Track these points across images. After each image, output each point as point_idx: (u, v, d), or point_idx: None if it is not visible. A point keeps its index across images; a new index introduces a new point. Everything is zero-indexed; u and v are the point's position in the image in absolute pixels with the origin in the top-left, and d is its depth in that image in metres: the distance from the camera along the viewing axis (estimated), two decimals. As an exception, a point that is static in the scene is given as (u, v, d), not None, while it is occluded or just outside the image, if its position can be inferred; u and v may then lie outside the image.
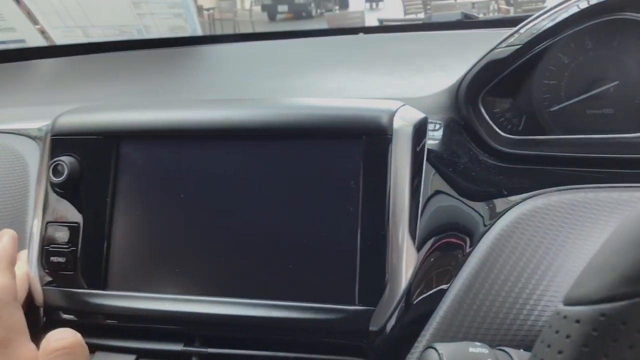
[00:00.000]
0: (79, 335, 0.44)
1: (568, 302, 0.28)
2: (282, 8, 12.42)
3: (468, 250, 0.53)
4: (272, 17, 12.28)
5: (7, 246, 0.49)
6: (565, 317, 0.27)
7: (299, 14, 12.31)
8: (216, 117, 0.54)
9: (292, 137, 0.53)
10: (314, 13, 12.45)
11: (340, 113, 0.52)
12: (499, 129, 0.63)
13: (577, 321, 0.26)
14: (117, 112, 0.58)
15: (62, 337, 0.43)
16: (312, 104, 0.54)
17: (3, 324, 0.44)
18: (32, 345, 0.44)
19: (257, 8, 12.66)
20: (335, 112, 0.52)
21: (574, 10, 0.59)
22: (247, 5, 12.41)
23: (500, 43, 0.60)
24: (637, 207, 0.29)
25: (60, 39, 1.26)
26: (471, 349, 0.38)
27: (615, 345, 0.25)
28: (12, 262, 0.49)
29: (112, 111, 0.58)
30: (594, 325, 0.25)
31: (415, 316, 0.51)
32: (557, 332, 0.27)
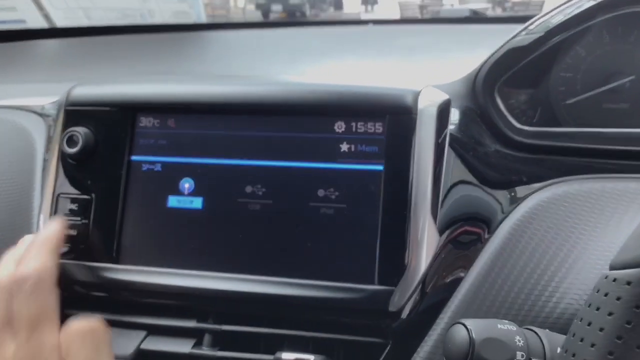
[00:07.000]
0: (101, 321, 0.44)
1: (616, 266, 0.28)
2: (276, 7, 12.39)
3: (487, 236, 0.53)
4: (265, 16, 12.24)
5: (55, 232, 0.50)
6: (614, 280, 0.27)
7: (293, 14, 12.30)
8: (238, 92, 0.54)
9: (316, 114, 0.52)
10: (308, 13, 12.45)
11: (365, 92, 0.52)
12: (514, 119, 0.63)
13: (628, 283, 0.26)
14: (133, 84, 0.57)
15: (84, 321, 0.44)
16: (336, 83, 0.54)
17: (39, 304, 0.44)
18: (57, 331, 0.44)
19: (251, 7, 12.63)
20: (360, 90, 0.52)
21: (594, 2, 0.59)
22: (240, 3, 12.38)
23: (521, 31, 0.60)
24: None
25: (61, 21, 1.24)
26: (500, 326, 0.38)
27: None
28: (57, 248, 0.49)
29: (129, 83, 0.57)
30: None
31: (434, 298, 0.50)
32: (606, 294, 0.27)
